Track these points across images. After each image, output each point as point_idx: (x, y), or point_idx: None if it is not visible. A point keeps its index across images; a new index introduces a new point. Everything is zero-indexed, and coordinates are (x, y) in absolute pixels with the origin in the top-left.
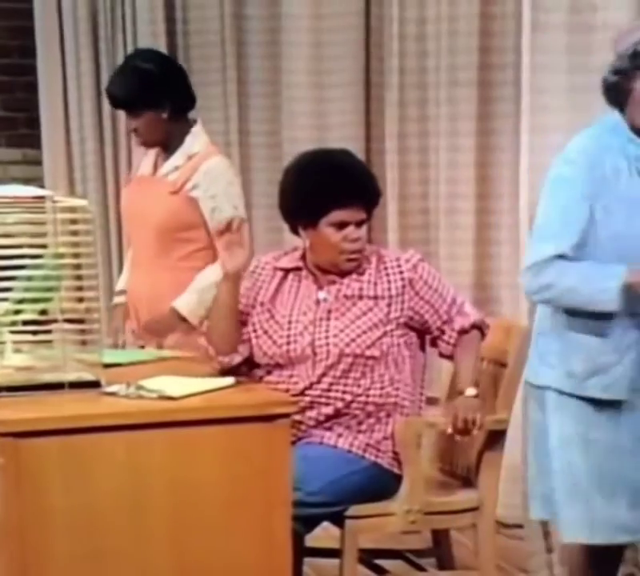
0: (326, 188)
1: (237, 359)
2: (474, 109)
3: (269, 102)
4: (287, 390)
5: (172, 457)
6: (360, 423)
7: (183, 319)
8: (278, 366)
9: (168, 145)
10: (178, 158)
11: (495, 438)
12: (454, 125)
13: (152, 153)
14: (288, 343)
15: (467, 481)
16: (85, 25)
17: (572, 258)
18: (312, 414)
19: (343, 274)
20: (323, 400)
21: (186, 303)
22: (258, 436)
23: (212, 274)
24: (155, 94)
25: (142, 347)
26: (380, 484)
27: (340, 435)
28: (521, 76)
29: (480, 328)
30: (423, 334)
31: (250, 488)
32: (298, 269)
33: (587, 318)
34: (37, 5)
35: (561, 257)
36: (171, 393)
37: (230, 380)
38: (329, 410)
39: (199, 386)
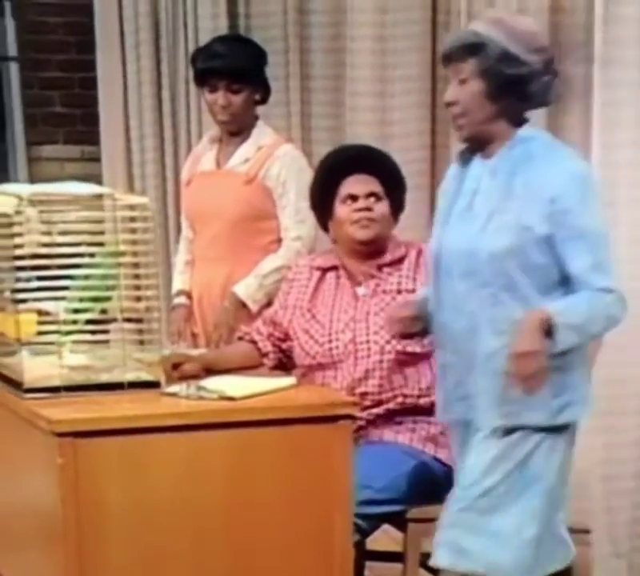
0: (331, 166)
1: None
2: None
3: (332, 97)
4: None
5: (232, 458)
6: (415, 420)
7: (243, 305)
8: (320, 366)
9: (237, 135)
10: (247, 149)
11: None
12: None
13: (209, 153)
14: (330, 341)
15: None
16: (146, 20)
17: None
18: (363, 414)
19: (379, 266)
20: (376, 398)
21: (246, 287)
22: (320, 437)
23: (276, 260)
24: (261, 71)
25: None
26: (441, 478)
27: (398, 432)
28: (592, 70)
29: None
30: None
31: (311, 491)
32: (334, 267)
33: None
34: (97, 0)
35: None
36: (232, 393)
37: (291, 380)
38: (380, 411)
39: (260, 386)
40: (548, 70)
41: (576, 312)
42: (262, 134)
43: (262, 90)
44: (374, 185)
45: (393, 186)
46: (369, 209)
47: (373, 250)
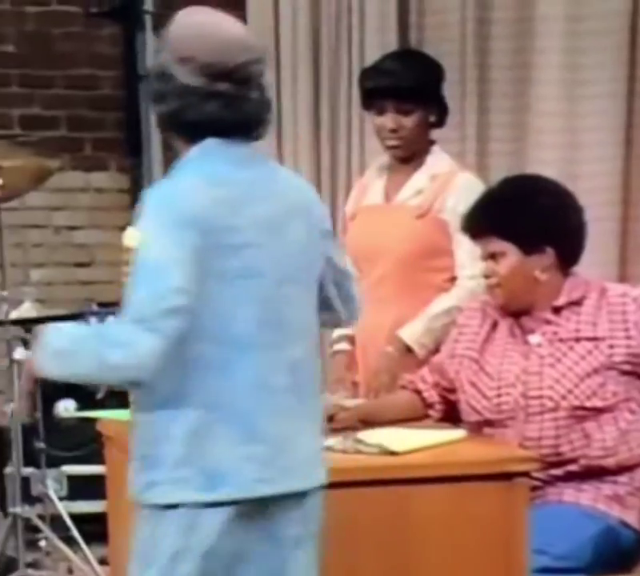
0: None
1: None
2: None
3: (513, 118)
4: None
5: (391, 519)
6: (601, 480)
7: (408, 350)
8: (488, 423)
9: (409, 162)
10: (419, 179)
11: None
12: None
13: (377, 182)
14: (498, 395)
15: None
16: (305, 35)
17: None
18: (540, 475)
19: (555, 309)
20: (553, 459)
21: (411, 330)
22: (493, 497)
23: (447, 300)
24: (436, 90)
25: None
26: (629, 545)
27: (580, 491)
28: None
29: None
30: None
31: (481, 557)
32: (507, 316)
33: None
34: (250, 14)
35: None
36: (393, 447)
37: (460, 432)
38: (559, 472)
39: (426, 439)
40: (210, 90)
41: (67, 337)
42: (437, 162)
43: (438, 111)
44: (490, 243)
45: (538, 231)
46: (487, 276)
47: (516, 309)
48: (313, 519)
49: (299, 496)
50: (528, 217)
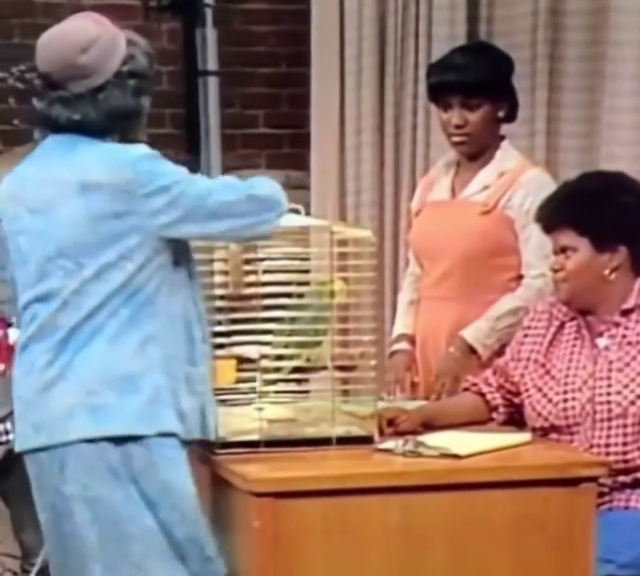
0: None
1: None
2: None
3: (586, 113)
4: None
5: (453, 525)
6: None
7: (472, 351)
8: (553, 428)
9: (476, 159)
10: (487, 175)
11: None
12: None
13: (443, 179)
14: (565, 400)
15: None
16: (370, 27)
17: None
18: (607, 481)
19: (624, 311)
20: (621, 466)
21: (475, 331)
22: (558, 502)
23: (512, 300)
24: (505, 84)
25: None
26: None
27: None
28: None
29: None
30: None
31: (546, 563)
32: (574, 318)
33: None
34: (315, 6)
35: None
36: (456, 450)
37: (525, 436)
38: (627, 479)
39: (490, 442)
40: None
41: None
42: (506, 158)
43: (508, 106)
44: (563, 237)
45: (614, 229)
46: (556, 270)
47: (580, 308)
48: (78, 475)
49: (54, 451)
50: (606, 213)
